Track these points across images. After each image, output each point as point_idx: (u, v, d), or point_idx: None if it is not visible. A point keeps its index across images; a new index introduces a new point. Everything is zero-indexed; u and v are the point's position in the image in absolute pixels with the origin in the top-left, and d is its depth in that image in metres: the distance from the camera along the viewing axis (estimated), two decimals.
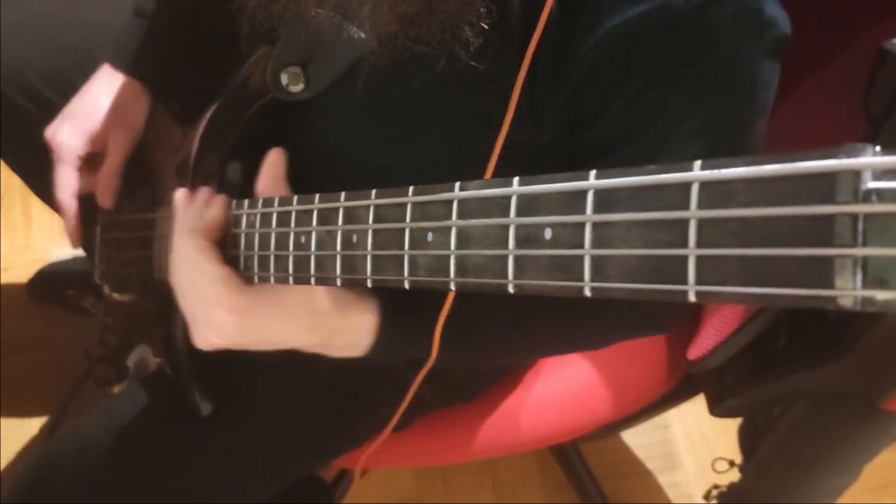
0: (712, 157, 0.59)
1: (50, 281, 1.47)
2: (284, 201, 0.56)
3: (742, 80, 0.59)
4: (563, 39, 0.57)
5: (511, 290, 0.38)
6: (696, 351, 0.94)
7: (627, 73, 0.57)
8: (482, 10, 0.57)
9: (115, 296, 0.93)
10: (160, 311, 0.81)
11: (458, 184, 0.42)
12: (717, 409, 0.97)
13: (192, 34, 0.86)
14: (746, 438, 1.02)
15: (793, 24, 0.59)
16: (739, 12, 0.56)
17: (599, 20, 0.55)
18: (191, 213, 0.64)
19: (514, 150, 0.58)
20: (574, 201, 0.35)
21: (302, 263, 0.52)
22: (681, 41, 0.56)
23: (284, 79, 0.64)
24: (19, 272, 1.52)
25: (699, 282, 0.30)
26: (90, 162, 0.85)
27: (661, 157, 0.59)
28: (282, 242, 0.55)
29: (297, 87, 0.65)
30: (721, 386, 0.95)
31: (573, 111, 0.60)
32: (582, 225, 0.34)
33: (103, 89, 0.84)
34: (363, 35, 0.60)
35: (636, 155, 0.59)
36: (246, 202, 0.62)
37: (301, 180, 0.63)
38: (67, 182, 0.84)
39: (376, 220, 0.46)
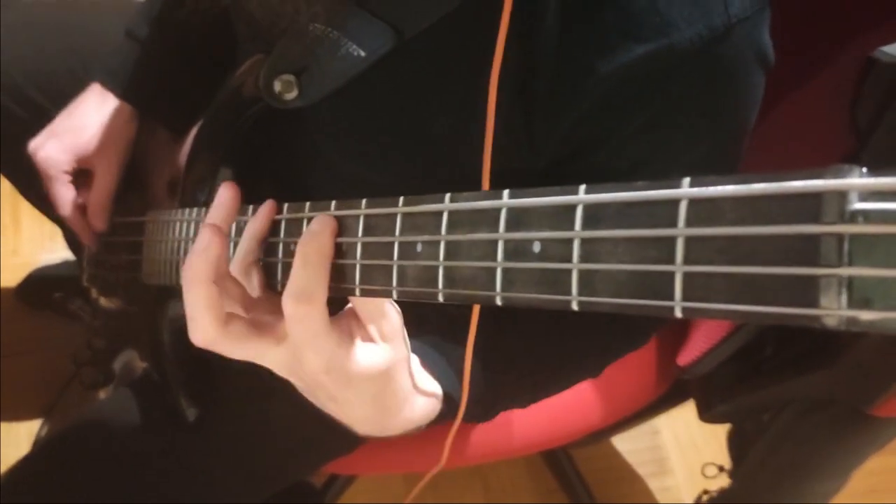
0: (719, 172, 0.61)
1: (39, 285, 1.47)
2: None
3: (743, 111, 0.60)
4: (564, 70, 0.57)
5: (499, 302, 0.38)
6: (686, 357, 0.94)
7: (633, 108, 0.58)
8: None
9: (102, 300, 0.93)
10: (147, 315, 0.81)
11: (448, 195, 0.42)
12: (707, 415, 0.97)
13: (189, 58, 0.85)
14: (736, 444, 1.02)
15: (780, 34, 0.60)
16: (743, 49, 0.56)
17: (604, 57, 0.56)
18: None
19: (508, 175, 0.58)
20: (563, 215, 0.35)
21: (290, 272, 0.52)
22: (686, 80, 0.56)
23: (277, 86, 0.64)
24: (8, 277, 1.52)
25: (685, 298, 0.30)
26: (77, 178, 0.85)
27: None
28: (271, 250, 0.55)
29: (290, 96, 0.64)
30: (710, 392, 0.96)
31: (575, 141, 0.60)
32: (570, 239, 0.34)
33: (93, 108, 0.83)
34: (362, 53, 0.60)
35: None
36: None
37: (293, 191, 0.63)
38: (65, 196, 0.84)
39: (366, 230, 0.46)
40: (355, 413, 0.54)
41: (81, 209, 0.85)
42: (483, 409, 0.65)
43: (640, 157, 0.60)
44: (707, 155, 0.60)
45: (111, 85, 0.83)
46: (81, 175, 0.84)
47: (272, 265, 0.55)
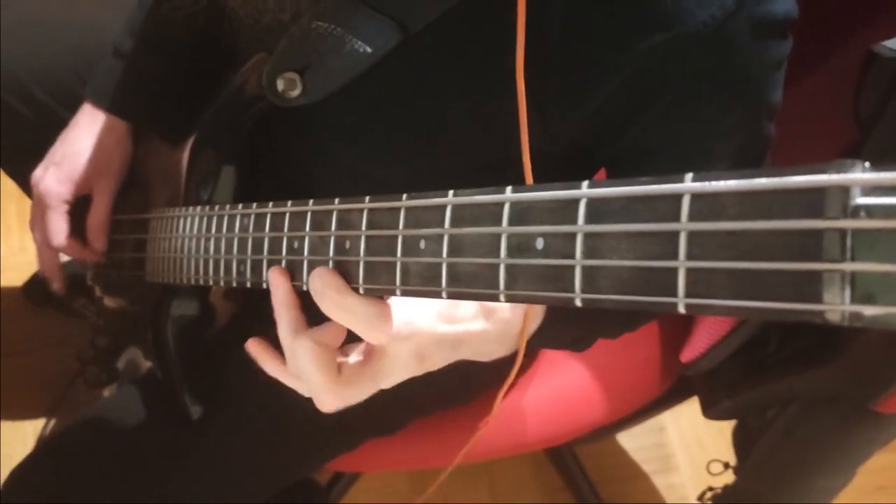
0: (750, 150, 0.60)
1: (45, 284, 1.47)
2: (279, 204, 0.56)
3: (766, 77, 0.60)
4: (573, 62, 0.57)
5: (502, 299, 0.38)
6: (689, 353, 0.94)
7: (656, 91, 0.58)
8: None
9: (106, 298, 0.93)
10: (151, 313, 0.81)
11: (451, 191, 0.42)
12: (711, 411, 0.97)
13: (177, 67, 0.85)
14: (740, 440, 1.02)
15: None
16: (754, 21, 0.56)
17: (617, 48, 0.56)
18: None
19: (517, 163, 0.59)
20: (566, 211, 0.35)
21: (295, 269, 0.52)
22: (705, 59, 0.57)
23: (280, 84, 0.64)
24: (15, 275, 1.52)
25: (688, 294, 0.30)
26: (76, 203, 0.85)
27: (706, 154, 0.61)
28: (275, 247, 0.55)
29: (294, 93, 0.64)
30: (714, 388, 0.96)
31: (596, 125, 0.61)
32: (573, 235, 0.34)
33: (85, 131, 0.83)
34: (368, 50, 0.60)
35: (680, 154, 0.61)
36: (240, 206, 0.62)
37: (297, 188, 0.63)
38: (59, 228, 0.84)
39: (369, 226, 0.46)
40: (487, 341, 0.55)
41: (79, 236, 0.86)
42: (578, 337, 0.66)
43: (674, 133, 0.60)
44: (739, 121, 0.60)
45: (99, 101, 0.83)
46: (81, 199, 0.85)
47: (276, 263, 0.55)
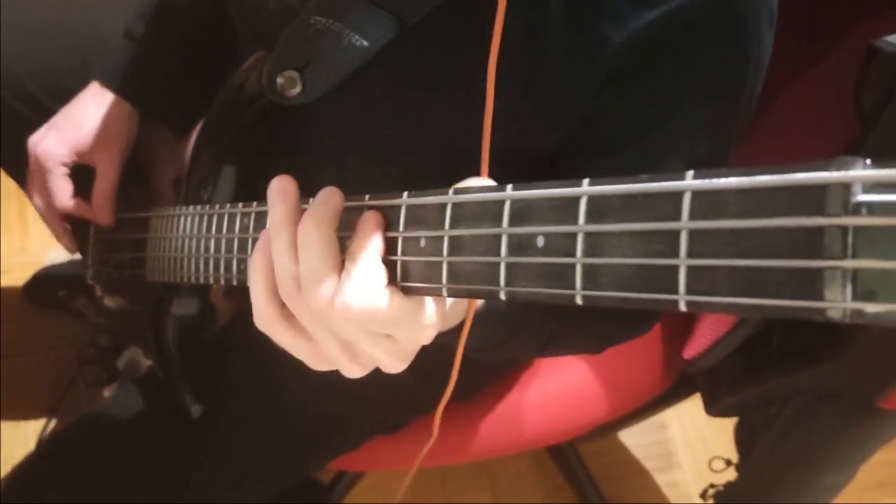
0: (715, 147, 0.60)
1: (46, 284, 1.47)
2: None
3: (754, 66, 0.60)
4: (575, 47, 0.57)
5: (503, 296, 0.38)
6: (691, 350, 0.94)
7: (646, 73, 0.57)
8: None
9: (107, 298, 0.93)
10: (151, 312, 0.81)
11: (451, 188, 0.42)
12: (713, 408, 0.97)
13: (186, 57, 0.85)
14: (743, 437, 1.02)
15: (783, 21, 0.59)
16: (755, 4, 0.56)
17: (615, 27, 0.56)
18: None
19: (516, 159, 0.58)
20: (567, 208, 0.35)
21: None
22: (697, 40, 0.56)
23: (280, 82, 0.64)
24: (16, 275, 1.52)
25: (689, 291, 0.30)
26: (79, 175, 0.84)
27: (668, 152, 0.60)
28: None
29: (294, 91, 0.64)
30: (716, 385, 0.96)
31: (591, 113, 0.60)
32: (574, 233, 0.34)
33: (93, 104, 0.83)
34: (365, 43, 0.60)
35: (644, 153, 0.60)
36: (240, 205, 0.62)
37: (299, 187, 0.63)
38: (63, 189, 0.84)
39: None
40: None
41: (84, 203, 0.85)
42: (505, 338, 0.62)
43: (652, 119, 0.59)
44: (718, 114, 0.60)
45: (109, 84, 0.83)
46: (83, 173, 0.84)
47: None
